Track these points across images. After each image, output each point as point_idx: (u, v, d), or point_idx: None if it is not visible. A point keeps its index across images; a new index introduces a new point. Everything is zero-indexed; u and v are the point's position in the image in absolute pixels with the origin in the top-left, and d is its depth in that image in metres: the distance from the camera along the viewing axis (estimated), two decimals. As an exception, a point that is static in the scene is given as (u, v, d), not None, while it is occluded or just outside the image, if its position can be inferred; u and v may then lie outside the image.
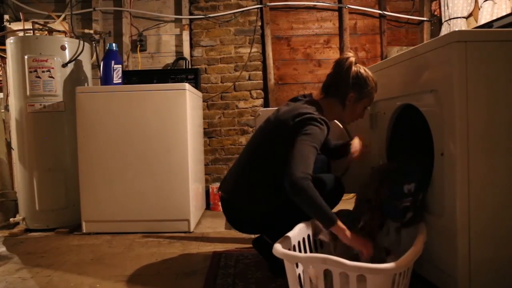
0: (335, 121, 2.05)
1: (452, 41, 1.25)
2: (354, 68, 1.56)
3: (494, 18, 2.13)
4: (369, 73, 1.59)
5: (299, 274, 1.23)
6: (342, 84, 1.57)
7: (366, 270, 1.04)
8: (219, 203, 2.89)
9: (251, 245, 1.75)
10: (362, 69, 1.57)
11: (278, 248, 1.20)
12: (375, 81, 1.59)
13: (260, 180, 1.58)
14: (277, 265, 1.49)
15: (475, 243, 1.26)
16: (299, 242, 1.38)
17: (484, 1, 2.47)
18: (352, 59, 1.57)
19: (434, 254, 1.38)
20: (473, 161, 1.25)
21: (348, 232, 1.33)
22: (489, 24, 1.85)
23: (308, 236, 1.46)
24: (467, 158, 1.25)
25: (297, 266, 1.22)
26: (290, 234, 1.34)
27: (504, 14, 2.20)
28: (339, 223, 1.33)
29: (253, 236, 1.77)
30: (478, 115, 1.26)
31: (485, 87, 1.26)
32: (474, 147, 1.25)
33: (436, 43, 1.34)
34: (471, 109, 1.25)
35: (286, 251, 1.20)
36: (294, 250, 1.33)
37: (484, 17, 2.44)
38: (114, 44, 2.53)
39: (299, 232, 1.40)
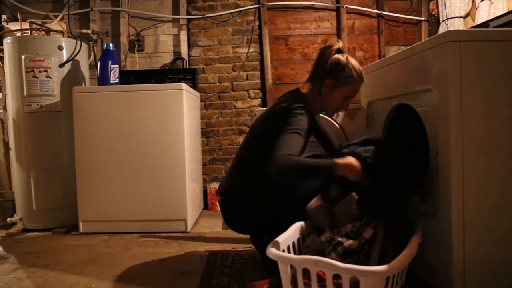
0: (330, 119, 2.05)
1: (447, 41, 1.25)
2: (334, 55, 1.51)
3: (491, 17, 2.13)
4: (352, 61, 1.51)
5: (293, 275, 1.23)
6: (320, 71, 1.53)
7: (359, 273, 1.03)
8: (217, 203, 2.90)
9: (247, 245, 1.76)
10: (344, 57, 1.51)
11: (271, 250, 1.20)
12: (358, 70, 1.51)
13: (251, 179, 1.58)
14: (272, 263, 1.48)
15: (470, 243, 1.26)
16: (293, 243, 1.38)
17: (481, 1, 2.47)
18: (336, 46, 1.52)
19: (429, 254, 1.38)
20: (468, 161, 1.25)
21: (352, 162, 1.33)
22: (485, 24, 1.85)
23: (303, 236, 1.46)
24: (462, 158, 1.25)
25: (291, 267, 1.22)
26: (284, 235, 1.33)
27: (500, 13, 2.20)
28: (339, 161, 1.33)
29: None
30: (473, 115, 1.26)
31: (479, 86, 1.26)
32: (469, 147, 1.25)
33: (430, 43, 1.34)
34: (465, 109, 1.25)
35: (280, 253, 1.20)
36: (289, 251, 1.33)
37: (481, 16, 2.43)
38: (111, 44, 2.53)
39: (293, 233, 1.40)
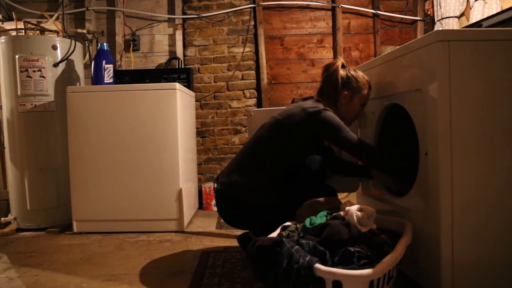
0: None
1: (435, 41, 1.25)
2: (341, 71, 1.64)
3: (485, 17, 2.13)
4: (359, 72, 1.66)
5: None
6: (332, 86, 1.65)
7: (341, 276, 1.02)
8: (212, 203, 2.90)
9: (239, 245, 1.76)
10: (352, 70, 1.65)
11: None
12: (367, 79, 1.66)
13: (255, 174, 1.62)
14: (261, 267, 1.49)
15: (459, 243, 1.25)
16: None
17: (475, 1, 2.47)
18: (339, 62, 1.66)
19: (418, 254, 1.38)
20: (457, 161, 1.25)
21: None
22: (478, 24, 1.85)
23: (288, 235, 1.45)
24: (450, 158, 1.25)
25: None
26: (274, 234, 1.33)
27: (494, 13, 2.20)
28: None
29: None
30: (462, 115, 1.25)
31: (468, 86, 1.26)
32: (458, 147, 1.25)
33: (419, 42, 1.34)
34: (454, 109, 1.25)
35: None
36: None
37: (475, 16, 2.43)
38: (105, 44, 2.53)
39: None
